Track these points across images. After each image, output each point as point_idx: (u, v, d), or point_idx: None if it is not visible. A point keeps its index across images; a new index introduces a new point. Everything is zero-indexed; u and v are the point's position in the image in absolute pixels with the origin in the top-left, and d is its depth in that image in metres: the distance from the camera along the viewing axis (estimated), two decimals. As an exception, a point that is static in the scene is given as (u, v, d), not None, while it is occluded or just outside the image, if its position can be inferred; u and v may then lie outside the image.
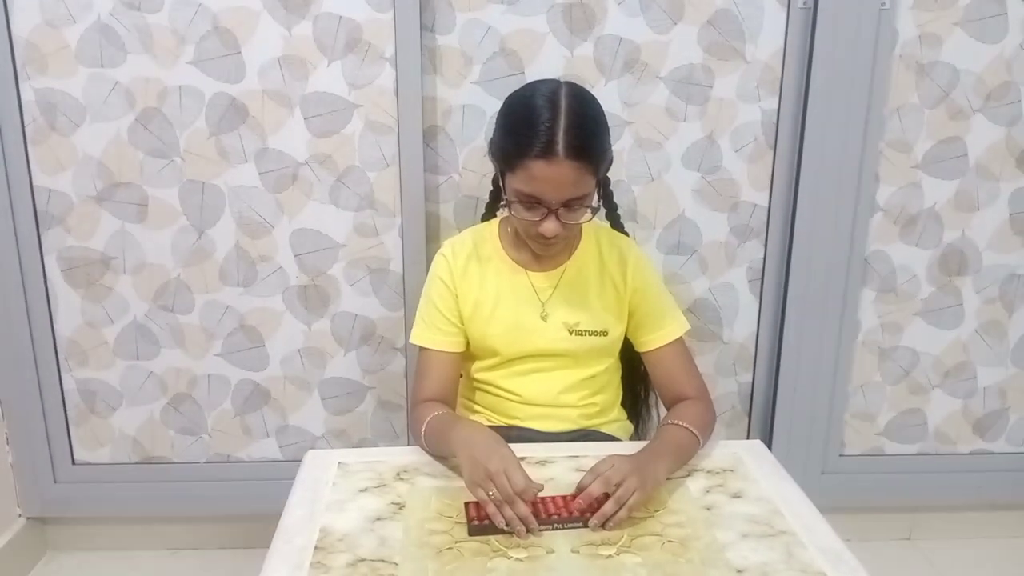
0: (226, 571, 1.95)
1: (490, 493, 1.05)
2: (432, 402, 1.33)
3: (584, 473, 1.12)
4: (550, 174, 1.18)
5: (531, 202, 1.22)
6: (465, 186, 1.80)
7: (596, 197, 1.27)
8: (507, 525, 1.04)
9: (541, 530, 1.06)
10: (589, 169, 1.20)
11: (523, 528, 1.04)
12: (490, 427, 1.34)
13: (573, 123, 1.18)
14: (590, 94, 1.27)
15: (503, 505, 1.04)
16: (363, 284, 1.85)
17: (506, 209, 1.29)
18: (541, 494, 1.08)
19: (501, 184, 1.29)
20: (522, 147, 1.19)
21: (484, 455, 1.09)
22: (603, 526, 1.06)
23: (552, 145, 1.17)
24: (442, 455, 1.24)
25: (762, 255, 1.89)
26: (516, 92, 1.29)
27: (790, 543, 1.05)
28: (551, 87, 1.24)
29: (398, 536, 1.05)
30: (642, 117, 1.78)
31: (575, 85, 1.26)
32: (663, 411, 1.42)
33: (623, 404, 1.53)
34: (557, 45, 1.73)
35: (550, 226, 1.23)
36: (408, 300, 1.84)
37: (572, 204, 1.22)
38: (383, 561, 1.00)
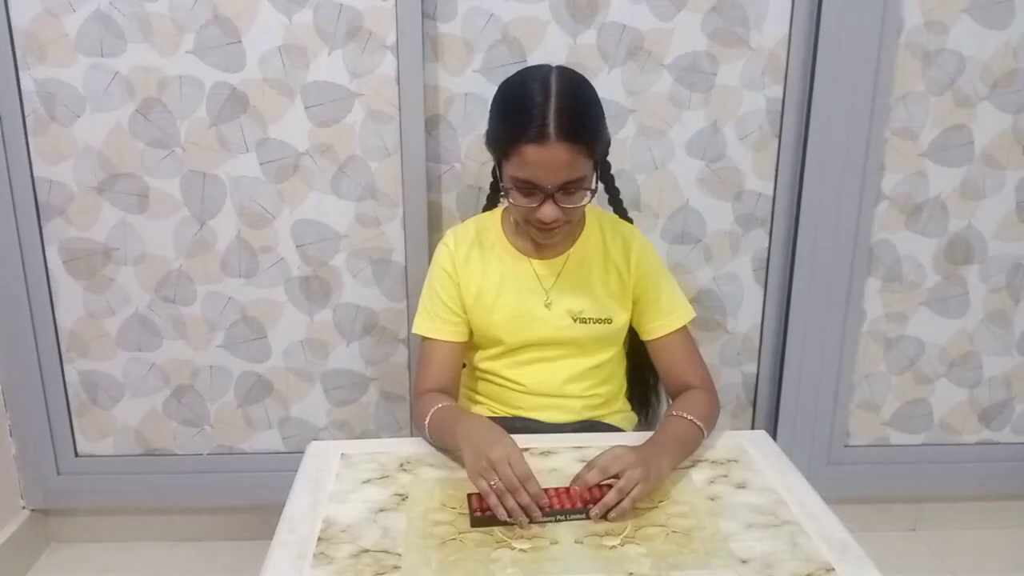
0: (229, 562, 1.95)
1: (492, 483, 1.04)
2: (435, 393, 1.33)
3: (584, 465, 1.12)
4: (544, 158, 1.18)
5: (528, 188, 1.22)
6: (467, 175, 1.79)
7: (594, 180, 1.26)
8: (509, 516, 1.03)
9: (543, 521, 1.05)
10: (583, 151, 1.19)
11: (525, 518, 1.03)
12: (493, 418, 1.34)
13: (564, 106, 1.18)
14: (582, 77, 1.27)
15: (505, 495, 1.04)
16: (365, 275, 1.84)
17: (506, 198, 1.29)
18: (543, 485, 1.07)
19: (499, 172, 1.29)
20: (515, 133, 1.19)
21: (486, 445, 1.09)
22: (605, 517, 1.06)
23: (544, 128, 1.17)
24: (446, 448, 1.24)
25: (767, 244, 1.88)
26: (508, 79, 1.29)
27: (795, 533, 1.04)
28: (542, 72, 1.24)
29: (401, 527, 1.05)
30: (646, 105, 1.77)
31: (566, 69, 1.26)
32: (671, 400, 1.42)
33: (631, 392, 1.52)
34: (560, 32, 1.71)
35: (548, 211, 1.22)
36: (410, 291, 1.84)
37: (569, 188, 1.22)
38: (386, 552, 1.00)
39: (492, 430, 1.14)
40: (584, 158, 1.20)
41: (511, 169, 1.22)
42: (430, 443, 1.27)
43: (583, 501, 1.07)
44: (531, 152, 1.18)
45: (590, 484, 1.07)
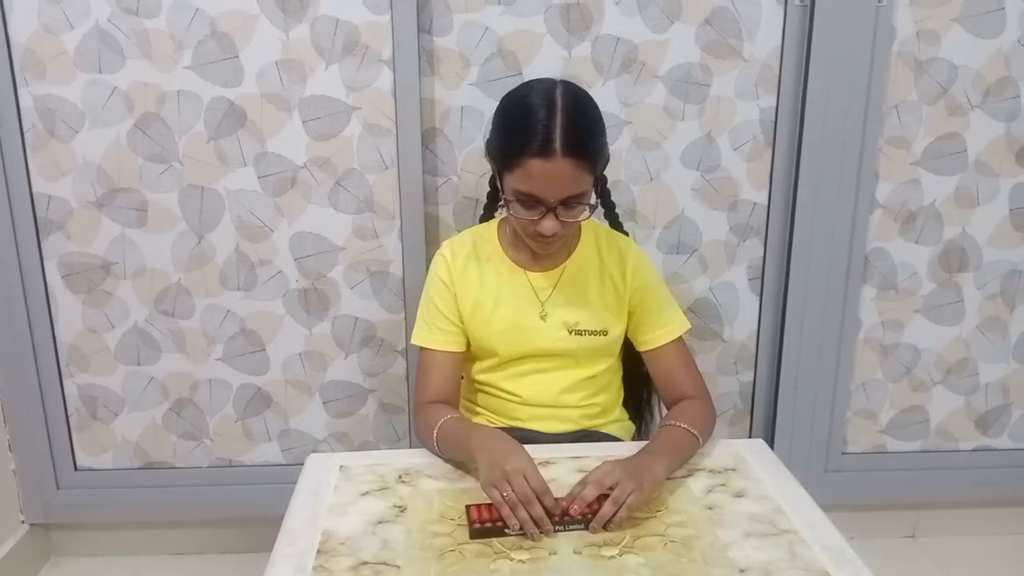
0: (229, 575, 1.95)
1: (505, 494, 1.05)
2: (438, 404, 1.33)
3: (580, 479, 1.12)
4: (548, 172, 1.18)
5: (530, 201, 1.23)
6: (464, 188, 1.80)
7: (594, 195, 1.27)
8: (521, 527, 1.03)
9: (554, 532, 1.05)
10: (587, 166, 1.20)
11: (536, 531, 1.04)
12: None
13: (570, 121, 1.19)
14: (585, 92, 1.27)
15: (517, 507, 1.04)
16: (363, 287, 1.85)
17: (504, 209, 1.29)
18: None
19: (499, 184, 1.30)
20: (520, 146, 1.19)
21: (502, 457, 1.10)
22: (604, 527, 1.06)
23: (550, 143, 1.17)
24: (456, 460, 1.24)
25: (762, 253, 1.89)
26: (512, 92, 1.29)
27: (793, 542, 1.05)
28: (547, 86, 1.24)
29: (400, 539, 1.05)
30: (640, 116, 1.78)
31: (571, 83, 1.26)
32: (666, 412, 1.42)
33: (626, 405, 1.53)
34: (555, 46, 1.73)
35: (549, 224, 1.23)
36: (408, 302, 1.84)
37: (570, 202, 1.23)
38: (385, 564, 1.00)
39: (508, 442, 1.15)
40: (587, 173, 1.21)
41: (514, 182, 1.22)
42: (436, 454, 1.27)
43: (580, 515, 1.07)
44: (536, 166, 1.18)
45: (588, 500, 1.07)
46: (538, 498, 1.05)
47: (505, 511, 1.04)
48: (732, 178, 1.83)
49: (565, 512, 1.07)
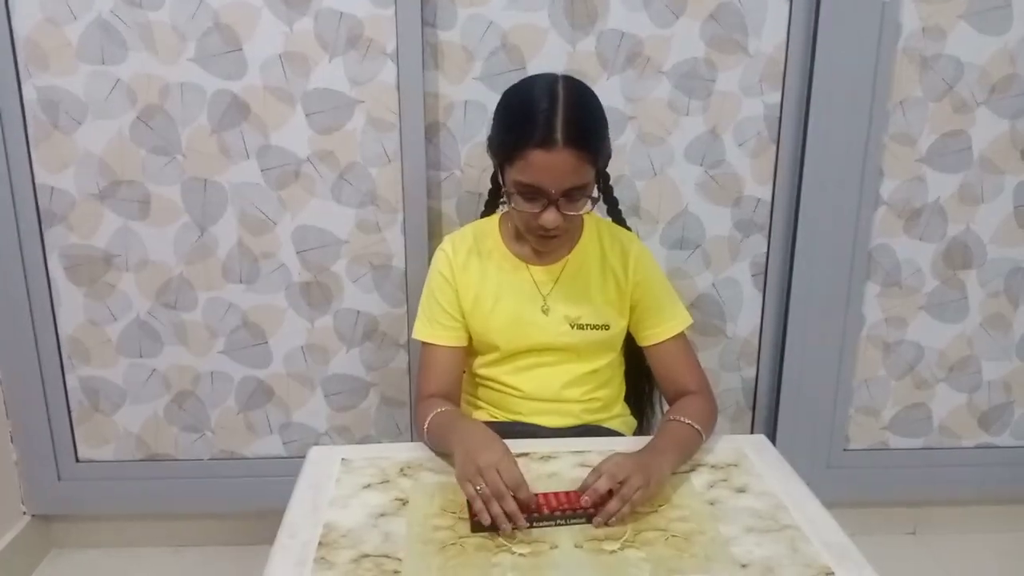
0: (230, 567, 1.95)
1: (478, 488, 1.04)
2: (436, 398, 1.33)
3: (588, 471, 1.12)
4: (550, 163, 1.18)
5: (531, 193, 1.23)
6: (467, 182, 1.80)
7: (595, 188, 1.27)
8: (494, 522, 1.03)
9: (544, 526, 1.05)
10: (588, 158, 1.20)
11: (508, 525, 1.03)
12: (493, 423, 1.34)
13: (571, 112, 1.19)
14: (587, 85, 1.28)
15: (490, 501, 1.03)
16: (365, 280, 1.85)
17: (506, 204, 1.29)
18: (544, 490, 1.08)
19: (500, 178, 1.30)
20: (521, 138, 1.19)
21: (476, 450, 1.09)
22: (607, 522, 1.06)
23: (551, 134, 1.17)
24: (443, 452, 1.24)
25: (765, 249, 1.89)
26: (513, 86, 1.30)
27: (795, 538, 1.05)
28: (548, 79, 1.25)
29: (402, 532, 1.05)
30: (645, 112, 1.77)
31: (571, 77, 1.27)
32: (667, 407, 1.42)
33: (627, 400, 1.52)
34: (559, 40, 1.72)
35: (550, 217, 1.23)
36: (410, 296, 1.84)
37: (572, 194, 1.23)
38: (387, 557, 1.00)
39: (485, 435, 1.14)
40: (588, 165, 1.21)
41: (515, 174, 1.22)
42: (430, 447, 1.27)
43: (587, 508, 1.07)
44: (538, 157, 1.18)
45: (601, 492, 1.07)
46: (513, 492, 1.04)
47: (478, 506, 1.04)
48: (736, 174, 1.83)
49: (574, 504, 1.07)
